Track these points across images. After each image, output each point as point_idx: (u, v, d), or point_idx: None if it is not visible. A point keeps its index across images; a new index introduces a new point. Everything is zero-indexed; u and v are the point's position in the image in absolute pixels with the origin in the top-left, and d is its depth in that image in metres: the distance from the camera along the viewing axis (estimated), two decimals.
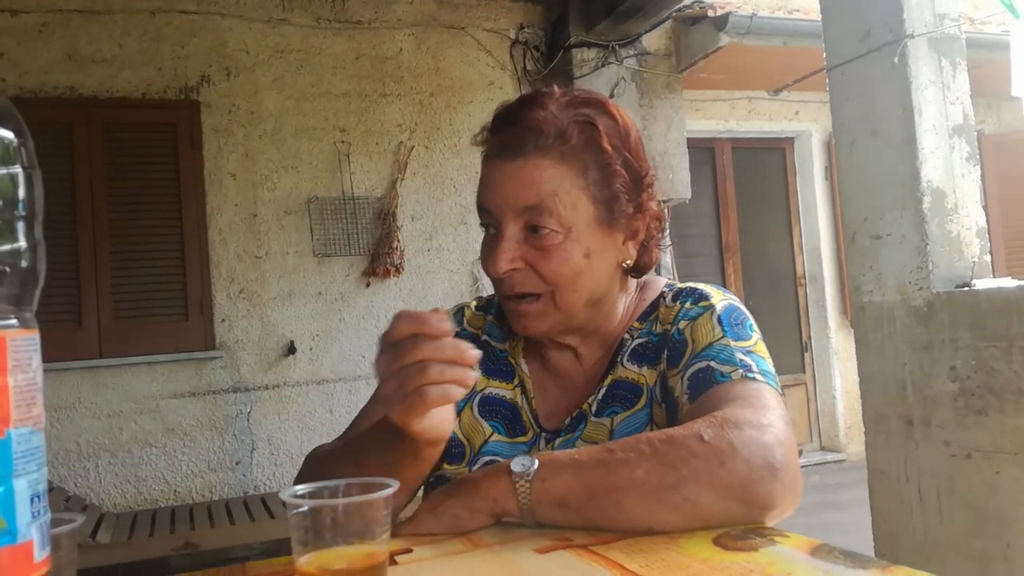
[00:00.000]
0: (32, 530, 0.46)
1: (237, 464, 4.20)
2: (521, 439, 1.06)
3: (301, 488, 0.69)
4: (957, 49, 2.39)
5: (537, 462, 0.82)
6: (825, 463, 6.00)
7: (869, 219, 2.46)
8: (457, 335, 1.06)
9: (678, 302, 1.03)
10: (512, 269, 0.97)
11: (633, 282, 1.10)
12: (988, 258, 2.36)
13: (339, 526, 0.66)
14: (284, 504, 0.67)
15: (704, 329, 0.98)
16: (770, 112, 6.09)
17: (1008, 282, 2.20)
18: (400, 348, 0.77)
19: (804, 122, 6.23)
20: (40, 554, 0.47)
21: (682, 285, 1.07)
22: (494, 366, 1.10)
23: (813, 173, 6.30)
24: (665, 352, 1.00)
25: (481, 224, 1.02)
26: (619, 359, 1.04)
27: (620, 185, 0.99)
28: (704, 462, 0.78)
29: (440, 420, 0.81)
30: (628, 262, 1.03)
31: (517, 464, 0.82)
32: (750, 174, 6.33)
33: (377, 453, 0.89)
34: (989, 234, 2.42)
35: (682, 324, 1.00)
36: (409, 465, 0.87)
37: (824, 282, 6.28)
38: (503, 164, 0.97)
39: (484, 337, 1.12)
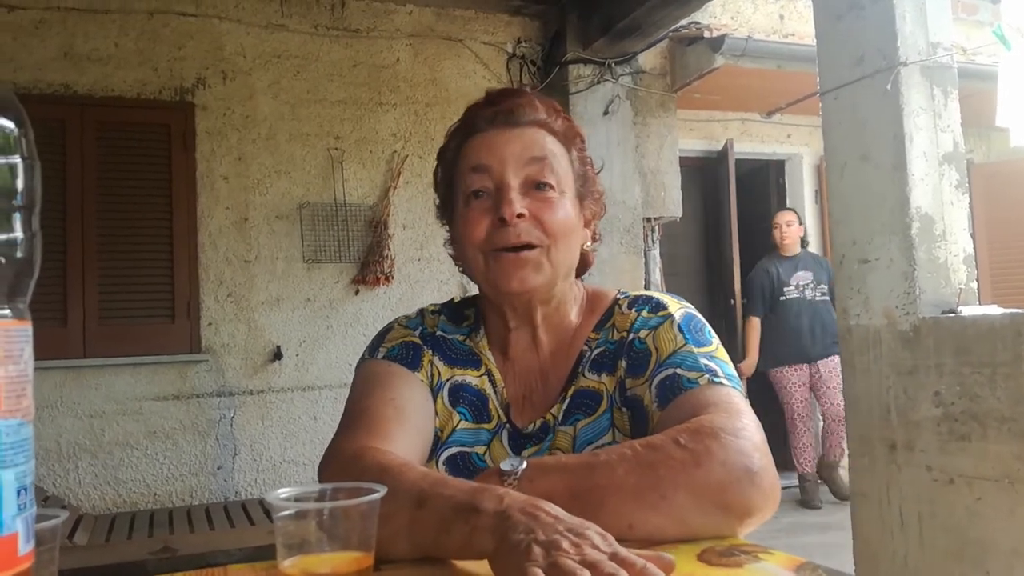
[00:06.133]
0: (18, 523, 0.46)
1: (219, 469, 4.17)
2: (485, 425, 1.09)
3: (286, 491, 0.69)
4: (949, 78, 2.41)
5: (525, 463, 0.84)
6: None
7: (858, 243, 2.47)
8: (421, 333, 1.12)
9: (634, 310, 1.08)
10: (520, 215, 1.01)
11: (580, 285, 1.15)
12: (974, 285, 2.37)
13: (324, 531, 0.66)
14: (264, 505, 0.67)
15: (666, 337, 1.02)
16: (762, 134, 6.14)
17: (994, 309, 2.21)
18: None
19: (796, 145, 6.27)
20: (24, 547, 0.47)
21: (636, 293, 1.12)
22: (455, 356, 1.12)
23: (803, 196, 6.34)
24: (624, 360, 1.04)
25: (471, 193, 1.04)
26: (580, 370, 1.08)
27: (590, 169, 1.13)
28: (681, 464, 0.80)
29: None
30: (587, 244, 1.12)
31: (506, 464, 0.84)
32: (741, 195, 6.36)
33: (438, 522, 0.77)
34: (976, 262, 2.44)
35: (643, 334, 1.04)
36: (448, 557, 0.78)
37: None
38: (502, 131, 1.06)
39: (439, 333, 1.14)
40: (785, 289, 5.35)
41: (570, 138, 1.09)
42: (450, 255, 1.16)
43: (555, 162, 1.05)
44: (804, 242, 5.54)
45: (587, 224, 1.11)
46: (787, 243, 5.42)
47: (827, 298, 5.23)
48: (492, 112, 1.06)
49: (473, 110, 1.10)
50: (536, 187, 1.03)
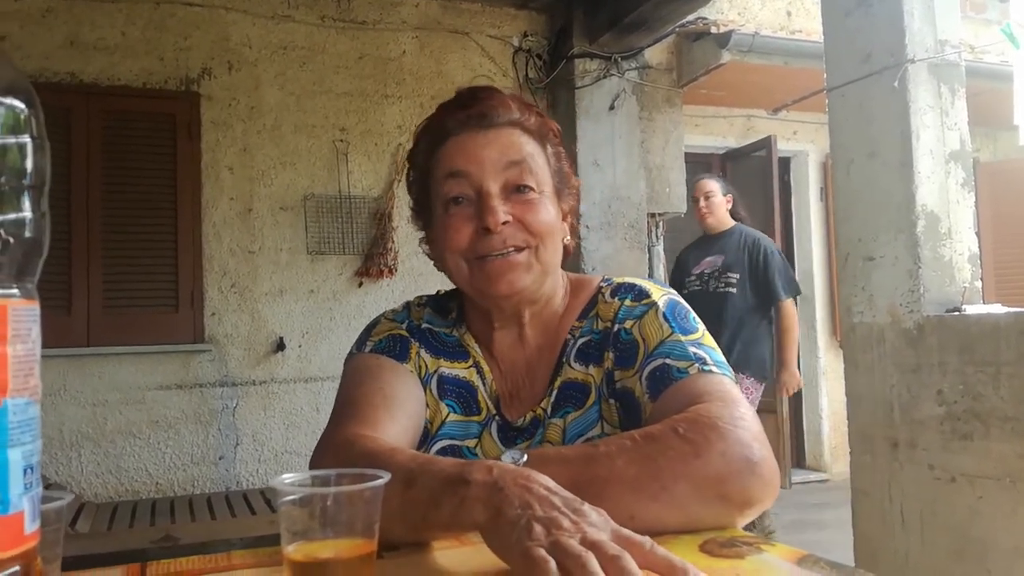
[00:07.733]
0: (24, 501, 0.46)
1: (220, 459, 4.18)
2: (475, 418, 1.09)
3: (292, 476, 0.69)
4: (956, 76, 2.41)
5: (526, 456, 0.84)
6: (809, 482, 6.01)
7: (863, 240, 2.47)
8: (408, 326, 1.14)
9: (616, 298, 1.08)
10: (505, 223, 1.00)
11: (564, 275, 1.15)
12: (979, 284, 2.37)
13: (328, 516, 0.66)
14: (265, 495, 0.66)
15: (652, 327, 1.02)
16: (768, 131, 6.12)
17: (998, 308, 2.21)
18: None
19: (802, 142, 6.26)
20: (30, 526, 0.47)
21: (619, 280, 1.11)
22: (441, 347, 1.13)
23: (808, 193, 6.33)
24: (611, 351, 1.04)
25: (450, 200, 1.03)
26: (565, 360, 1.08)
27: (565, 164, 1.11)
28: (680, 454, 0.80)
29: None
30: (566, 238, 1.10)
31: (507, 456, 0.84)
32: (746, 191, 6.36)
33: (431, 500, 0.76)
34: (981, 260, 2.44)
35: (628, 324, 1.04)
36: (440, 532, 0.79)
37: (815, 302, 6.30)
38: (476, 134, 1.04)
39: (424, 325, 1.15)
40: (687, 280, 4.25)
41: (544, 134, 1.08)
42: (427, 254, 1.16)
43: (533, 163, 1.04)
44: (738, 215, 4.31)
45: (565, 218, 1.10)
46: (709, 221, 4.24)
47: (732, 290, 4.08)
48: (465, 115, 1.04)
49: (444, 111, 1.07)
50: (516, 190, 1.02)
